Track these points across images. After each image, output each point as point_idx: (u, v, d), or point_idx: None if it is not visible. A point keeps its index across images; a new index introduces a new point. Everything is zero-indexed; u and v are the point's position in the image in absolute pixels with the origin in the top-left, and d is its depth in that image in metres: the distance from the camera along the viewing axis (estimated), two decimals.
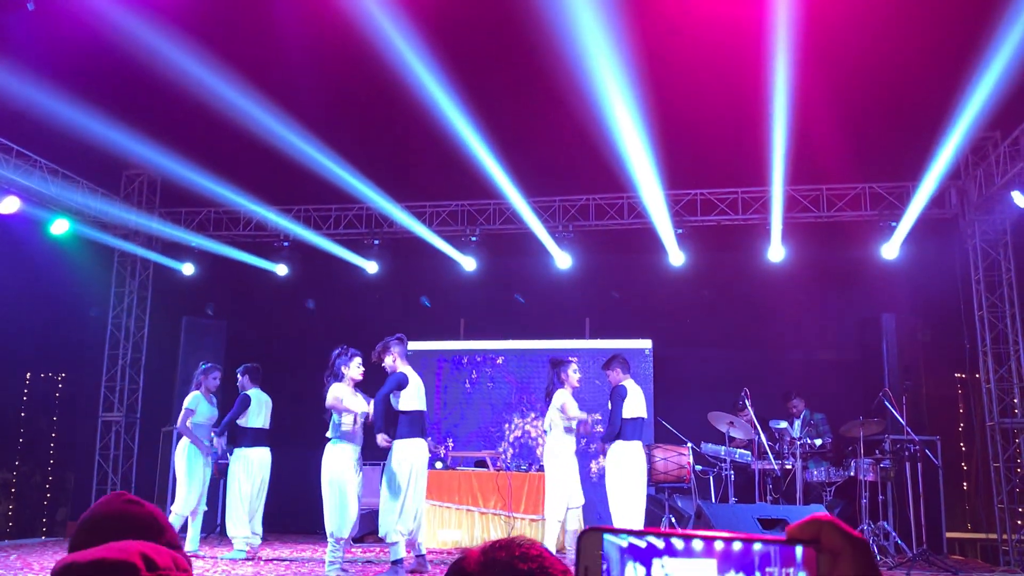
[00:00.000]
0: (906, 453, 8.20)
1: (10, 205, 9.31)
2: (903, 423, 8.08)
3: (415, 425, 6.94)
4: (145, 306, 11.61)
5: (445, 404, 11.22)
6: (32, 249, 10.45)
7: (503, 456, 10.42)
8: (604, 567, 0.59)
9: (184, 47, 8.02)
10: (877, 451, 8.41)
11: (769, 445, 8.57)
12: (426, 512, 9.53)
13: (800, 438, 8.78)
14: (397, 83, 8.40)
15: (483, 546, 1.12)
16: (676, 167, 9.74)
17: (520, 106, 9.91)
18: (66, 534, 11.01)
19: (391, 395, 6.91)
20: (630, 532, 0.60)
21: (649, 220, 10.24)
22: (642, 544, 0.59)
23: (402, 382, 6.91)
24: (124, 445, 11.18)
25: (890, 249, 9.91)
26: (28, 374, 12.13)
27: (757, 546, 0.60)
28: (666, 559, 0.59)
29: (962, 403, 10.65)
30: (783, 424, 8.87)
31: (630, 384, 7.66)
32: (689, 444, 8.65)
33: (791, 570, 0.59)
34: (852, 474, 8.36)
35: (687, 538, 0.60)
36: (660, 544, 0.59)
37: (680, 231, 10.29)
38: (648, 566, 0.59)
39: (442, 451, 10.49)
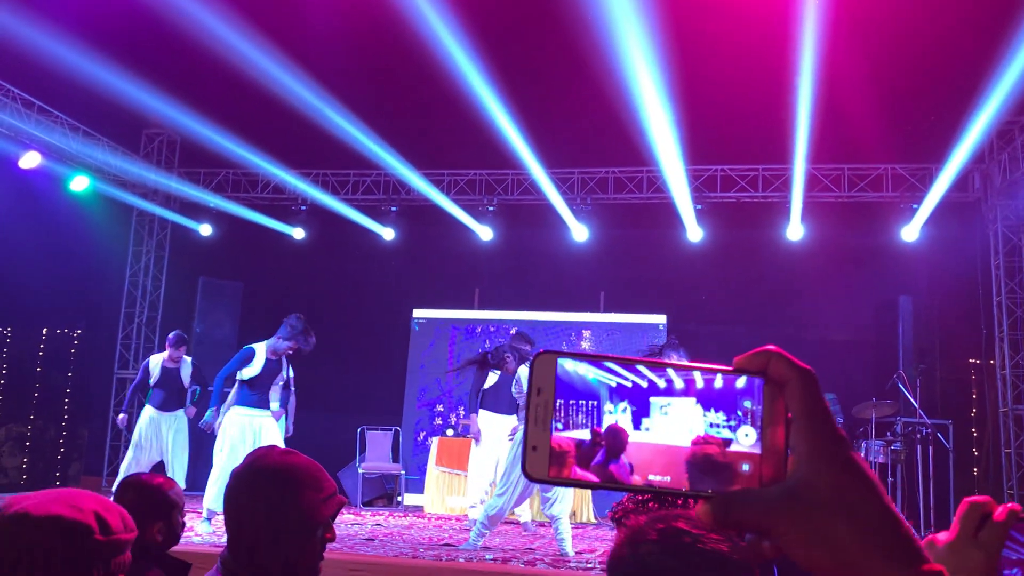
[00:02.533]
0: (918, 436, 8.21)
1: (31, 160, 9.35)
2: (916, 406, 8.07)
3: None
4: (162, 265, 11.66)
5: (457, 373, 11.23)
6: (52, 205, 10.49)
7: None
8: (593, 404, 0.58)
9: (208, 6, 7.98)
10: (889, 433, 8.41)
11: None
12: (435, 479, 9.62)
13: None
14: (420, 50, 8.34)
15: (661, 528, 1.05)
16: (697, 142, 9.67)
17: (543, 76, 9.84)
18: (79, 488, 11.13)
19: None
20: (585, 356, 0.59)
21: (668, 195, 10.19)
22: (628, 383, 0.58)
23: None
24: (138, 403, 11.26)
25: (910, 231, 9.84)
26: (45, 329, 12.21)
27: (718, 382, 0.58)
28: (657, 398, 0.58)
29: (976, 388, 10.61)
30: None
31: None
32: None
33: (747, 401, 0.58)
34: (862, 455, 8.35)
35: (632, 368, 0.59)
36: (644, 384, 0.58)
37: (699, 207, 10.24)
38: (646, 405, 0.58)
39: (453, 419, 10.55)
